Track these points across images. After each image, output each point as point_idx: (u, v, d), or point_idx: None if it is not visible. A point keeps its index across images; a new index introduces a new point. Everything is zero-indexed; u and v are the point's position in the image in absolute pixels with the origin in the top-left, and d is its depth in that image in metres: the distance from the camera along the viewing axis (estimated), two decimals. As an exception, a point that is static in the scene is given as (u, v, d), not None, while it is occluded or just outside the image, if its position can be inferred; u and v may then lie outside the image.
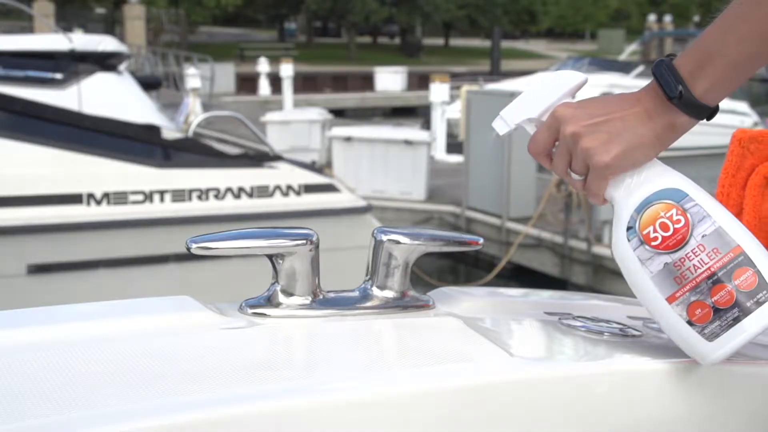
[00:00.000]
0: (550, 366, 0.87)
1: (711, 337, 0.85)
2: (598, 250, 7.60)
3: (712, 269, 0.85)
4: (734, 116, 14.85)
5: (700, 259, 0.85)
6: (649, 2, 44.59)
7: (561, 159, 0.91)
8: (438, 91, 12.64)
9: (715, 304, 0.85)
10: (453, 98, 13.71)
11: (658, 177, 0.89)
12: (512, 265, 8.44)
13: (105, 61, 8.72)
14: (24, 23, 22.22)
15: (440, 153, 12.31)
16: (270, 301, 0.95)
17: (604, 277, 7.58)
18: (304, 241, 0.94)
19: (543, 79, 0.94)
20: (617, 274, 7.85)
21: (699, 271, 0.85)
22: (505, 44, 38.10)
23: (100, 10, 33.54)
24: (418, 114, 20.80)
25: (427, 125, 13.53)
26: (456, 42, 48.43)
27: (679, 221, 0.87)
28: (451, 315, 1.00)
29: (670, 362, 0.89)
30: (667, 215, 0.87)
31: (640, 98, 0.89)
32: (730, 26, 0.84)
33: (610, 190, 0.90)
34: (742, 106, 15.72)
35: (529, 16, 44.56)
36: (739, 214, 1.02)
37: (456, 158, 11.51)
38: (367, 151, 9.57)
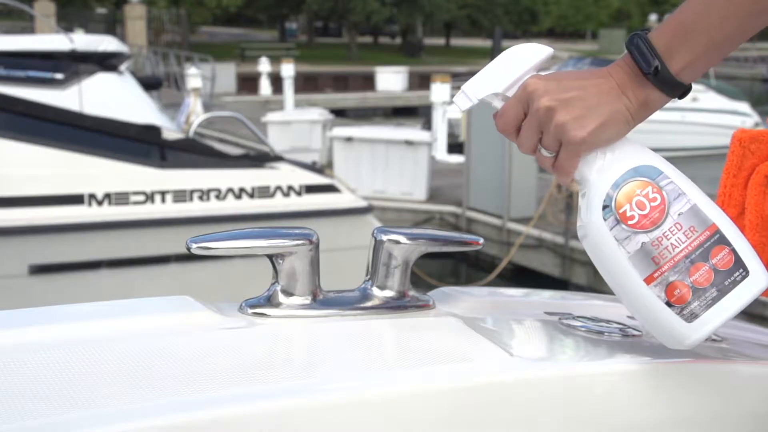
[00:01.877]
0: (550, 366, 0.87)
1: (690, 318, 0.84)
2: (599, 250, 7.58)
3: (690, 248, 0.83)
4: (735, 116, 14.83)
5: (678, 237, 0.84)
6: (651, 2, 44.59)
7: (530, 134, 0.87)
8: (439, 91, 12.64)
9: (693, 284, 0.83)
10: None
11: (632, 154, 0.86)
12: (513, 265, 8.44)
13: (106, 62, 8.73)
14: (25, 23, 22.23)
15: (441, 153, 12.31)
16: (270, 301, 0.95)
17: (604, 277, 7.56)
18: (304, 241, 0.94)
19: (507, 53, 0.90)
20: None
21: (677, 250, 0.83)
22: (506, 44, 37.91)
23: (101, 10, 33.55)
24: (419, 114, 20.81)
25: (428, 125, 13.52)
26: (457, 42, 48.43)
27: (655, 199, 0.84)
28: (451, 315, 1.00)
29: (670, 362, 0.89)
30: (643, 193, 0.85)
31: (611, 72, 0.86)
32: (712, 3, 0.82)
33: (581, 168, 0.87)
34: (743, 106, 15.72)
35: (530, 15, 44.60)
36: (741, 214, 1.01)
37: (457, 158, 11.51)
38: (367, 151, 9.57)
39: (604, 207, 0.85)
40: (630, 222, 0.84)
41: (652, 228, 0.84)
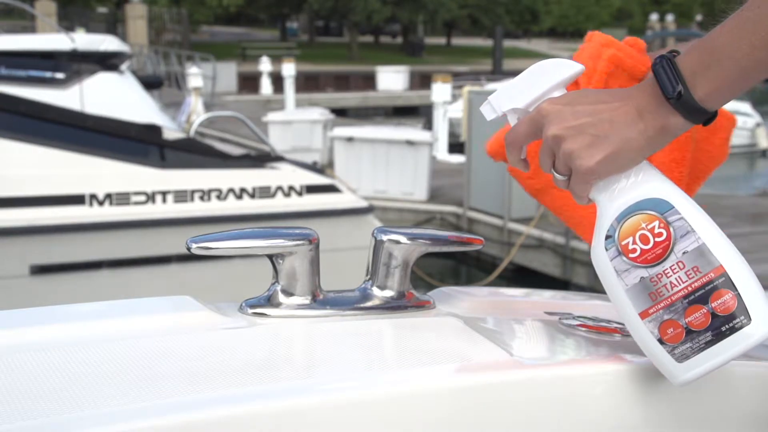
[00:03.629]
0: (550, 366, 0.87)
1: (681, 358, 0.82)
2: (599, 250, 7.58)
3: (689, 288, 0.81)
4: (736, 116, 14.81)
5: (678, 276, 0.81)
6: (652, 1, 44.59)
7: (544, 157, 0.87)
8: (440, 91, 12.63)
9: (688, 325, 0.81)
10: (455, 98, 13.70)
11: (645, 183, 0.84)
12: (514, 265, 8.43)
13: (107, 61, 8.73)
14: (26, 23, 22.23)
15: (442, 153, 12.31)
16: (270, 301, 0.95)
17: (605, 277, 7.56)
18: (304, 241, 0.94)
19: (535, 68, 0.89)
20: (619, 274, 7.85)
21: (675, 289, 0.81)
22: (507, 43, 38.10)
23: (102, 10, 33.56)
24: (420, 113, 20.81)
25: (428, 125, 13.53)
26: (458, 41, 48.42)
27: (660, 234, 0.82)
28: (451, 315, 1.00)
29: (670, 362, 0.89)
30: (649, 227, 0.82)
31: (632, 94, 0.84)
32: (744, 30, 0.79)
33: (594, 191, 0.86)
34: (745, 106, 15.71)
35: (531, 15, 44.61)
36: None
37: (458, 158, 11.51)
38: (368, 151, 9.56)
39: (607, 237, 0.84)
40: (631, 255, 0.83)
41: (653, 264, 0.82)
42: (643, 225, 0.83)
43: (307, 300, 0.96)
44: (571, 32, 49.34)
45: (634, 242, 0.83)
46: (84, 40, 9.23)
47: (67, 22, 22.59)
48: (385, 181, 9.52)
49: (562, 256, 8.07)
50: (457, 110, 12.85)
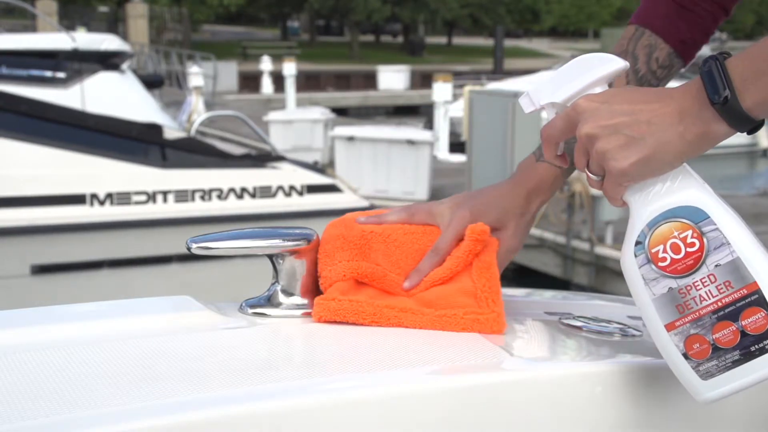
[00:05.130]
0: (550, 366, 0.87)
1: (705, 375, 0.79)
2: (600, 250, 7.58)
3: (719, 304, 0.77)
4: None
5: (708, 290, 0.78)
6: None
7: (579, 156, 0.84)
8: (441, 90, 12.63)
9: (715, 342, 0.78)
10: (456, 97, 13.70)
11: (682, 190, 0.80)
12: (515, 265, 8.43)
13: (108, 60, 8.73)
14: (27, 22, 22.24)
15: (443, 153, 12.31)
16: (270, 301, 0.95)
17: (606, 277, 7.56)
18: (304, 241, 0.94)
19: (577, 62, 0.85)
20: (619, 274, 7.85)
21: (704, 303, 0.78)
22: (508, 43, 38.10)
23: (103, 9, 33.58)
24: (421, 112, 20.81)
25: (429, 124, 13.52)
26: (459, 41, 48.43)
27: (693, 245, 0.78)
28: (451, 315, 1.00)
29: (670, 362, 0.89)
30: (681, 236, 0.79)
31: (675, 96, 0.79)
32: None
33: (628, 193, 0.82)
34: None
35: (532, 14, 44.61)
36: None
37: (459, 158, 11.51)
38: (369, 150, 9.57)
39: (637, 243, 0.81)
40: (660, 264, 0.79)
41: (682, 275, 0.79)
42: (676, 233, 0.79)
43: (307, 300, 0.96)
44: (572, 32, 49.32)
45: (664, 251, 0.79)
46: (85, 40, 9.23)
47: (68, 21, 22.58)
48: (386, 180, 9.52)
49: (562, 256, 8.07)
50: (458, 110, 12.84)
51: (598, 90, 0.84)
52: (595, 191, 6.73)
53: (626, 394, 0.87)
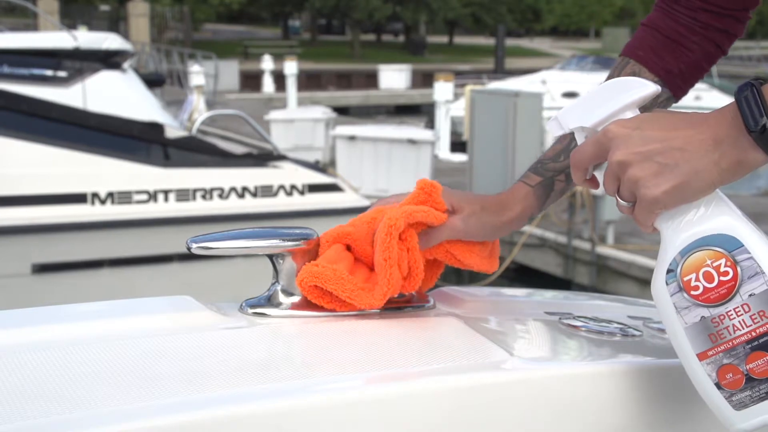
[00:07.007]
0: (550, 366, 0.87)
1: (738, 405, 0.77)
2: (601, 250, 7.59)
3: (753, 334, 0.76)
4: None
5: (742, 320, 0.76)
6: (654, 0, 44.52)
7: (608, 182, 0.82)
8: (442, 90, 12.64)
9: (749, 372, 0.76)
10: (457, 96, 13.71)
11: (714, 217, 0.79)
12: (516, 265, 8.43)
13: (109, 59, 8.72)
14: (28, 21, 22.27)
15: (444, 152, 12.32)
16: (270, 301, 0.95)
17: (607, 277, 7.57)
18: (305, 241, 0.94)
19: (607, 86, 0.84)
20: (620, 274, 7.85)
21: (738, 332, 0.76)
22: (510, 42, 38.09)
23: (104, 8, 33.60)
24: (422, 112, 20.81)
25: (431, 124, 13.52)
26: (460, 40, 48.42)
27: (726, 273, 0.77)
28: (451, 315, 1.00)
29: (670, 362, 0.89)
30: (714, 265, 0.77)
31: (710, 122, 0.77)
32: None
33: (659, 220, 0.81)
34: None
35: (533, 14, 44.63)
36: None
37: (460, 157, 11.52)
38: (370, 150, 9.57)
39: (669, 271, 0.79)
40: (693, 293, 0.78)
41: (715, 304, 0.77)
42: (708, 262, 0.78)
43: (307, 300, 0.96)
44: (574, 31, 49.31)
45: (697, 279, 0.78)
46: (86, 38, 9.21)
47: (70, 20, 22.59)
48: (387, 179, 9.52)
49: (564, 256, 8.07)
50: (459, 109, 12.84)
51: (629, 114, 0.82)
52: (595, 191, 6.72)
53: (626, 394, 0.87)
